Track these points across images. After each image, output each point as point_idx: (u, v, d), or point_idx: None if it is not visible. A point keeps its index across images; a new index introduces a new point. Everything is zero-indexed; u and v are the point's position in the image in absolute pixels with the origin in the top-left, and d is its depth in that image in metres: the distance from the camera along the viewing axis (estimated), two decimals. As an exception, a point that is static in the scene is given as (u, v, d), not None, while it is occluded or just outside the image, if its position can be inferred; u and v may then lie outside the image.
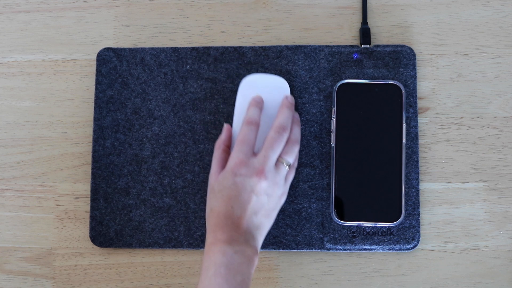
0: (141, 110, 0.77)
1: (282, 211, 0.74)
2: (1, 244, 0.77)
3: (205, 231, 0.74)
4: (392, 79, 0.76)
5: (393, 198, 0.73)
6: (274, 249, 0.74)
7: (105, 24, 0.80)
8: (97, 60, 0.78)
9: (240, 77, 0.77)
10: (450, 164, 0.75)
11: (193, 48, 0.78)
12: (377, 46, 0.76)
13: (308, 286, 0.74)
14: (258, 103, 0.73)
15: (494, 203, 0.74)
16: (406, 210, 0.73)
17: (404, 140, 0.74)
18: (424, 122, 0.76)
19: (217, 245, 0.65)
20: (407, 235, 0.73)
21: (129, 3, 0.80)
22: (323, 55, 0.77)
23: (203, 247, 0.74)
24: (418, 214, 0.74)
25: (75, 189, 0.77)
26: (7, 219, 0.77)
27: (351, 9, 0.79)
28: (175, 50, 0.78)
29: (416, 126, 0.75)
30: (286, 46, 0.77)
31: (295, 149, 0.71)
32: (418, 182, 0.74)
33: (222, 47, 0.78)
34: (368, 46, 0.76)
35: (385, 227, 0.73)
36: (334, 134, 0.74)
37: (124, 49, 0.78)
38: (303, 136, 0.75)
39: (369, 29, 0.77)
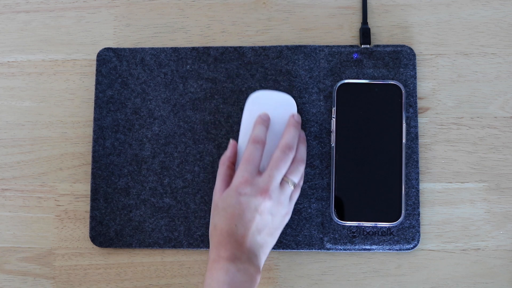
0: (141, 110, 0.77)
1: (282, 211, 0.74)
2: (1, 244, 0.77)
3: (205, 231, 0.74)
4: (392, 79, 0.76)
5: (393, 198, 0.73)
6: (274, 249, 0.74)
7: (105, 24, 0.80)
8: (97, 60, 0.78)
9: (240, 77, 0.77)
10: (450, 164, 0.75)
11: (193, 48, 0.78)
12: (377, 46, 0.76)
13: (308, 286, 0.74)
14: (265, 121, 0.72)
15: (494, 203, 0.74)
16: (406, 210, 0.73)
17: (404, 140, 0.74)
18: (424, 122, 0.76)
19: (220, 262, 0.65)
20: (407, 235, 0.73)
21: (129, 3, 0.80)
22: (323, 55, 0.77)
23: (203, 247, 0.74)
24: (418, 214, 0.74)
25: (75, 189, 0.77)
26: (7, 219, 0.77)
27: (351, 9, 0.79)
28: (175, 50, 0.78)
29: (416, 126, 0.75)
30: (286, 46, 0.77)
31: (301, 169, 0.71)
32: (418, 182, 0.74)
33: (222, 47, 0.78)
34: (368, 46, 0.76)
35: (385, 227, 0.73)
36: (334, 134, 0.74)
37: (124, 49, 0.78)
38: (303, 136, 0.75)
39: (369, 29, 0.77)
